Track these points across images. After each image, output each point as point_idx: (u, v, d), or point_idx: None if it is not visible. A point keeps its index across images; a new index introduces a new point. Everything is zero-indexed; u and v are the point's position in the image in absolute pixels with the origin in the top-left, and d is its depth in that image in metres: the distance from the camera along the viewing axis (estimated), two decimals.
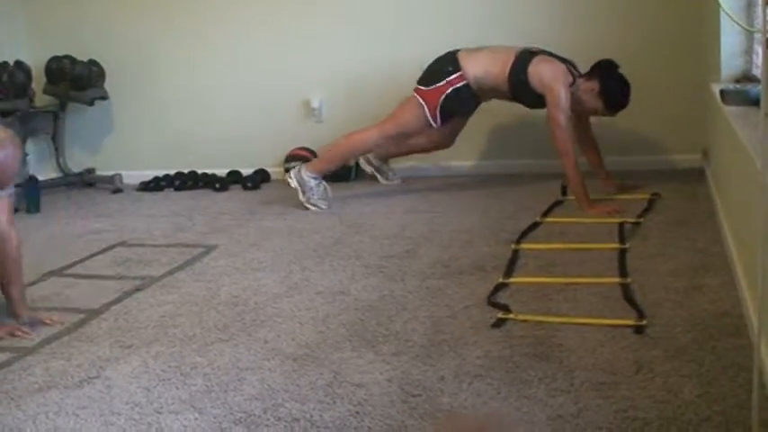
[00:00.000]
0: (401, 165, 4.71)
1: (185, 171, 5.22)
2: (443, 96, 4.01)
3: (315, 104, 5.04)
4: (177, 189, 5.08)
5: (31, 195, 4.77)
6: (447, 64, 4.04)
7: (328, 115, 4.98)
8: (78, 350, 2.60)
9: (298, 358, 2.42)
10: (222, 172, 5.11)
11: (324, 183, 4.24)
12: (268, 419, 2.06)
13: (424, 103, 4.05)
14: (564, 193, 4.07)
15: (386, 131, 4.18)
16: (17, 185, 4.80)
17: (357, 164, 4.65)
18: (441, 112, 4.05)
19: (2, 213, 2.80)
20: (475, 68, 4.00)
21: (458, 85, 3.99)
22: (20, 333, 2.73)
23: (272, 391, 2.22)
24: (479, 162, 4.87)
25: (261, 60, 5.09)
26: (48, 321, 2.85)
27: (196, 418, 2.09)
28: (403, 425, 2.00)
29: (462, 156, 4.78)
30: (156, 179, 5.19)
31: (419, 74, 4.13)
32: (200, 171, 5.20)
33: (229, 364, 2.42)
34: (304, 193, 4.18)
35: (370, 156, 4.51)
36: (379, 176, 4.58)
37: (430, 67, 4.12)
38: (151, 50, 5.27)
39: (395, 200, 4.36)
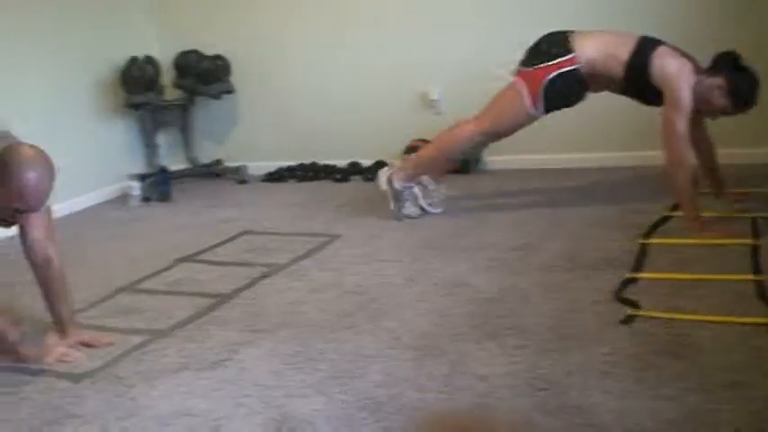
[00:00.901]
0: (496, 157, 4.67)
1: (307, 162, 5.33)
2: (549, 78, 3.53)
3: (434, 96, 5.04)
4: (300, 180, 5.19)
5: (162, 185, 4.97)
6: (556, 44, 3.56)
7: (447, 107, 4.97)
8: (210, 333, 2.70)
9: (420, 348, 2.44)
10: (343, 163, 5.19)
11: (415, 189, 3.94)
12: (391, 407, 2.08)
13: (524, 85, 3.58)
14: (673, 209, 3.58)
15: (481, 126, 3.73)
16: (150, 176, 5.05)
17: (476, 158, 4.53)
18: (544, 98, 3.57)
19: (37, 230, 2.60)
20: (590, 50, 3.51)
21: (567, 68, 3.51)
22: (70, 358, 2.56)
23: (396, 379, 2.24)
24: (593, 155, 4.76)
25: (381, 52, 5.13)
26: (97, 344, 2.69)
27: (324, 403, 2.14)
28: (529, 419, 1.98)
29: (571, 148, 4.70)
30: (280, 170, 5.31)
31: None
32: (321, 162, 5.29)
33: (354, 351, 2.45)
34: (396, 202, 3.91)
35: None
36: (422, 201, 4.02)
37: (535, 46, 3.64)
38: (275, 44, 5.38)
39: (512, 192, 4.33)
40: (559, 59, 3.52)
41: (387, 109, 5.14)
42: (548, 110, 3.63)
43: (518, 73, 3.65)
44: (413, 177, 3.90)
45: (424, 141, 4.85)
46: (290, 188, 5.03)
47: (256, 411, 2.13)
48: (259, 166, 5.41)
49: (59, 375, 2.45)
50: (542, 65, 3.55)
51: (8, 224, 2.44)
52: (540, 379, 2.17)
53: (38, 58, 4.64)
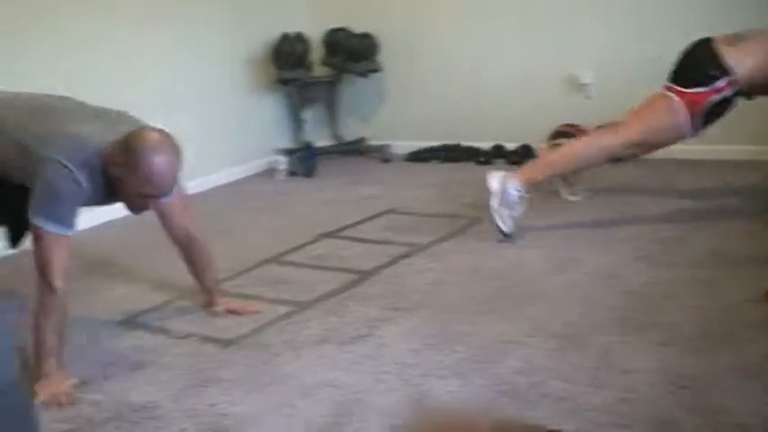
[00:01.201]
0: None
1: (450, 143, 5.32)
2: (708, 104, 3.25)
3: (585, 80, 4.92)
4: (442, 161, 5.18)
5: (307, 161, 5.07)
6: (710, 65, 3.25)
7: (599, 92, 4.84)
8: (352, 308, 2.75)
9: (562, 337, 2.40)
10: (487, 146, 5.15)
11: (526, 202, 3.41)
12: (532, 395, 2.07)
13: (683, 107, 3.27)
14: None
15: (629, 138, 3.37)
16: (296, 151, 5.17)
17: None
18: (703, 121, 3.32)
19: (173, 214, 2.66)
20: (748, 66, 3.21)
21: (727, 93, 3.24)
22: (63, 399, 2.26)
23: (536, 367, 2.22)
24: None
25: (531, 32, 5.04)
26: (244, 311, 2.79)
27: (461, 386, 2.14)
28: (672, 417, 1.93)
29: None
30: (423, 150, 5.32)
31: None
32: (464, 144, 5.27)
33: (494, 336, 2.44)
34: (498, 202, 3.37)
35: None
36: (562, 189, 3.97)
37: (686, 63, 3.36)
38: (424, 23, 5.38)
39: (665, 181, 4.18)
40: (717, 83, 3.22)
41: (535, 91, 5.05)
42: (705, 127, 3.37)
43: (672, 89, 3.32)
44: (534, 181, 3.48)
45: (572, 126, 4.73)
46: (433, 169, 5.04)
47: (395, 388, 2.15)
48: (402, 146, 5.43)
49: (207, 340, 2.55)
50: (702, 90, 3.25)
51: (140, 210, 2.45)
52: (683, 376, 2.11)
53: (196, 36, 4.82)
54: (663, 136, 3.38)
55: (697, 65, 3.31)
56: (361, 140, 5.63)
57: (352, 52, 5.32)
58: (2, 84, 2.73)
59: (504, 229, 3.35)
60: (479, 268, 3.07)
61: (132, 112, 2.55)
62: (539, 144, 4.88)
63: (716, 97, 3.24)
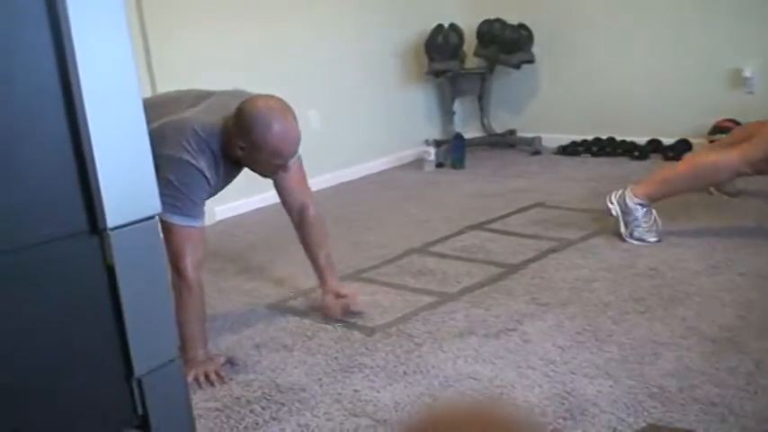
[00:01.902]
0: None
1: (603, 137, 5.17)
2: None
3: (747, 73, 4.67)
4: (594, 155, 5.05)
5: (456, 152, 5.06)
6: None
7: (761, 86, 4.59)
8: (497, 302, 2.72)
9: (717, 341, 2.29)
10: (642, 140, 4.98)
11: (654, 210, 3.26)
12: (684, 399, 1.98)
13: None
14: None
15: (750, 156, 3.08)
16: (445, 142, 5.17)
17: None
18: None
19: (290, 180, 2.64)
20: None
21: None
22: (213, 377, 2.33)
23: (689, 370, 2.13)
24: None
25: (691, 23, 4.84)
26: (353, 307, 2.70)
27: (610, 386, 2.08)
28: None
29: None
30: (574, 143, 5.21)
31: None
32: (618, 138, 5.11)
33: (645, 336, 2.36)
34: (626, 225, 3.25)
35: None
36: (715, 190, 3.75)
37: None
38: (578, 14, 5.26)
39: None
40: None
41: (693, 84, 4.84)
42: None
43: None
44: (652, 197, 3.27)
45: (732, 122, 4.52)
46: (584, 162, 4.92)
47: (539, 384, 2.12)
48: (553, 138, 5.33)
49: (353, 327, 2.59)
50: None
51: (275, 175, 2.52)
52: None
53: (352, 28, 4.89)
54: None
55: None
56: (510, 132, 5.57)
57: (506, 43, 5.26)
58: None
59: (652, 240, 3.21)
60: (630, 266, 2.97)
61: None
62: (698, 139, 4.70)
63: None
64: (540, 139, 5.35)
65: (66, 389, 1.07)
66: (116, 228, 1.07)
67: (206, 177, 2.33)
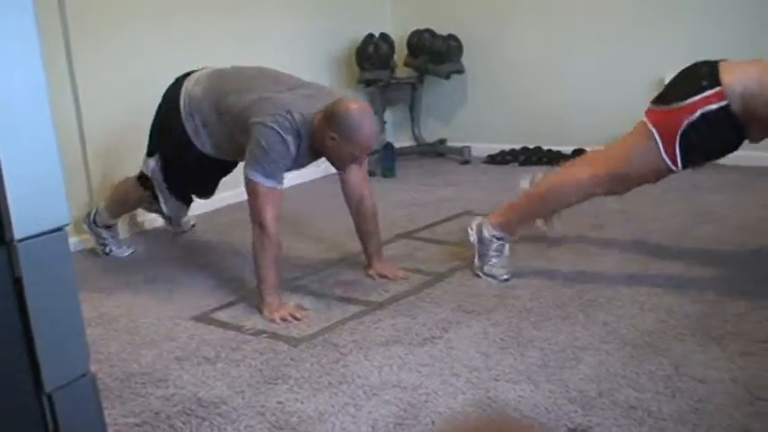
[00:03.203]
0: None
1: (531, 146, 5.26)
2: (687, 123, 2.58)
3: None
4: (522, 164, 5.13)
5: (387, 161, 5.09)
6: (700, 76, 2.62)
7: None
8: (423, 310, 2.74)
9: (637, 345, 2.35)
10: (568, 149, 5.07)
11: (507, 245, 3.05)
12: (603, 403, 2.02)
13: (656, 132, 2.66)
14: None
15: (606, 171, 2.81)
16: (376, 151, 5.18)
17: None
18: (681, 149, 2.63)
19: (355, 173, 3.06)
20: (742, 79, 2.56)
21: (711, 107, 2.55)
22: (298, 315, 2.72)
23: (609, 374, 2.17)
24: None
25: (616, 35, 4.96)
26: (393, 277, 3.06)
27: (531, 391, 2.11)
28: (746, 428, 1.86)
29: None
30: (503, 153, 5.28)
31: None
32: (545, 147, 5.21)
33: (566, 341, 2.40)
34: (480, 257, 3.05)
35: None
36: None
37: (673, 80, 2.78)
38: (507, 26, 5.35)
39: (745, 190, 4.05)
40: (703, 94, 2.57)
41: (619, 95, 4.96)
42: (687, 164, 2.68)
43: (649, 112, 2.75)
44: (508, 227, 3.05)
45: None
46: (512, 172, 4.98)
47: (462, 391, 2.14)
48: (482, 148, 5.40)
49: (279, 338, 2.58)
50: (681, 104, 2.61)
51: (346, 167, 2.98)
52: (762, 388, 2.04)
53: (280, 35, 4.87)
54: (642, 167, 2.75)
55: (687, 78, 2.70)
56: (440, 142, 5.62)
57: (436, 54, 5.31)
58: None
59: (503, 278, 2.98)
60: (554, 273, 3.02)
61: None
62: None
63: (698, 114, 2.57)
64: (469, 148, 5.41)
65: None
66: (24, 239, 1.05)
67: (290, 151, 2.76)
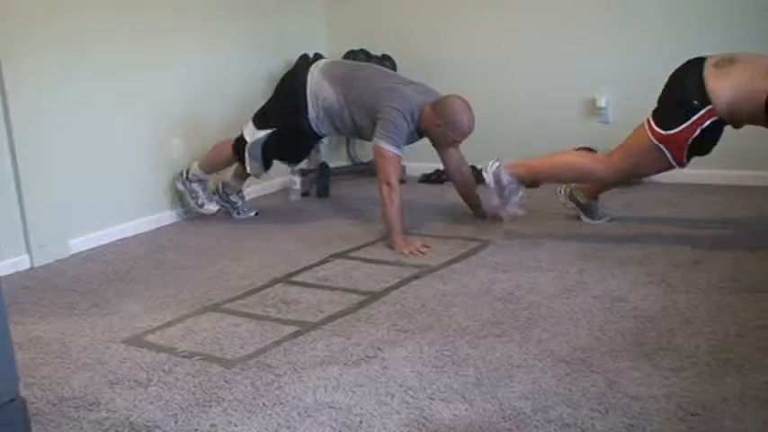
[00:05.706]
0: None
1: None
2: (691, 140, 3.23)
3: (601, 103, 4.89)
4: None
5: (321, 181, 5.06)
6: (692, 94, 3.18)
7: (616, 116, 4.81)
8: (358, 330, 2.72)
9: (571, 362, 2.36)
10: None
11: (521, 189, 3.79)
12: (537, 420, 2.03)
13: (663, 147, 3.28)
14: None
15: (615, 167, 3.50)
16: (311, 171, 5.15)
17: None
18: (688, 154, 3.29)
19: (455, 154, 4.02)
20: (727, 94, 3.13)
21: (706, 124, 3.18)
22: (423, 249, 3.58)
23: (543, 392, 2.18)
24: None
25: (547, 55, 5.03)
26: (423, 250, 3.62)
27: (466, 409, 2.10)
28: None
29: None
30: (438, 171, 5.29)
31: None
32: (479, 166, 5.23)
33: (501, 359, 2.41)
34: (499, 196, 3.75)
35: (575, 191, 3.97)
36: (583, 216, 3.99)
37: (669, 95, 3.36)
38: (440, 47, 5.38)
39: (682, 207, 4.14)
40: (696, 116, 3.17)
41: (551, 114, 5.02)
42: (690, 158, 3.35)
43: (653, 131, 3.30)
44: (519, 179, 3.74)
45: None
46: (447, 190, 4.99)
47: (397, 411, 2.12)
48: (417, 167, 5.41)
49: (212, 360, 2.53)
50: (681, 127, 3.22)
51: (447, 147, 3.98)
52: (694, 403, 2.07)
53: (215, 56, 4.81)
54: (650, 168, 3.56)
55: (683, 91, 3.26)
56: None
57: None
58: None
59: (520, 214, 3.83)
60: (489, 291, 3.03)
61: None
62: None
63: (698, 132, 3.20)
64: (404, 167, 5.40)
65: None
66: None
67: (409, 130, 3.78)
